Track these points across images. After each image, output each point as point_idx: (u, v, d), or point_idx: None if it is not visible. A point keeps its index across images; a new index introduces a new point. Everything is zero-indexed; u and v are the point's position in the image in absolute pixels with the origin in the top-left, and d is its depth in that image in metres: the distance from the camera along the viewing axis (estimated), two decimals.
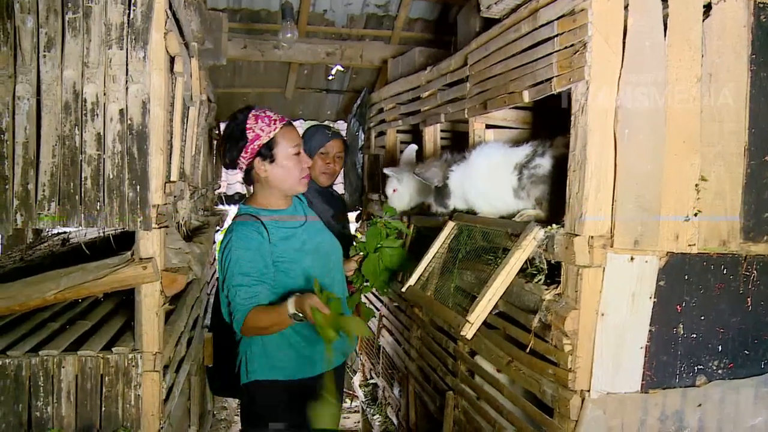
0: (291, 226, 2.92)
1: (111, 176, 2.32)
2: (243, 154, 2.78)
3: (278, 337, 2.82)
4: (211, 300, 4.72)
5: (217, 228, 5.08)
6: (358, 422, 5.73)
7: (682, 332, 2.27)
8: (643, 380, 2.25)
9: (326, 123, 5.94)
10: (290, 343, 2.86)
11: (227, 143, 2.82)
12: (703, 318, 2.29)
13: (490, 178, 2.77)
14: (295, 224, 2.95)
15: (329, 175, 3.97)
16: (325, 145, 3.89)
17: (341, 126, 6.30)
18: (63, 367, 2.37)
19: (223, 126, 3.09)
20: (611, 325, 2.19)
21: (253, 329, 2.69)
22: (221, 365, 3.10)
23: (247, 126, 2.76)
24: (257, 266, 2.73)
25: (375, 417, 4.92)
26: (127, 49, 2.30)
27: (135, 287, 2.42)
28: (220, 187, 6.29)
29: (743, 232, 2.30)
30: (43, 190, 2.26)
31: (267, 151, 2.79)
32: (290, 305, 2.59)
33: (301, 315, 2.58)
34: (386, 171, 3.69)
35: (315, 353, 2.91)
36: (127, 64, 2.30)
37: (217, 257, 2.85)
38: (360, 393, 5.46)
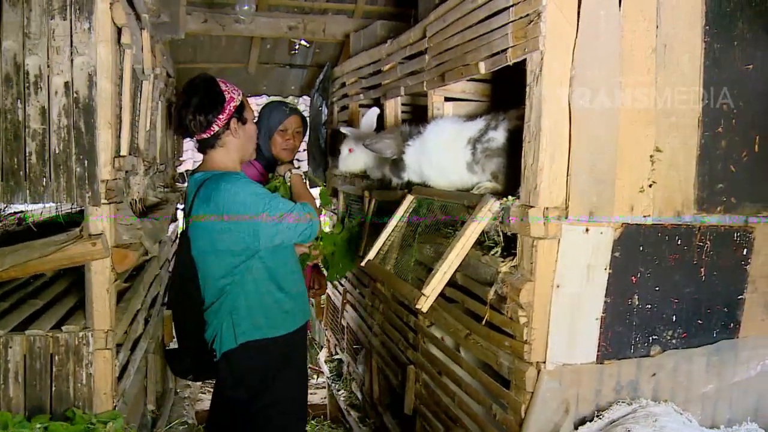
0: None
1: (57, 151, 2.25)
2: (220, 116, 2.77)
3: (263, 296, 2.85)
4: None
5: (179, 205, 4.99)
6: (325, 398, 5.73)
7: (636, 303, 2.29)
8: (598, 351, 2.27)
9: (284, 98, 5.86)
10: (275, 299, 2.89)
11: (199, 104, 2.75)
12: (657, 288, 2.30)
13: (444, 153, 2.75)
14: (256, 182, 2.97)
15: (290, 150, 3.93)
16: (284, 122, 3.84)
17: (305, 101, 6.24)
18: (10, 347, 2.32)
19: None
20: (566, 296, 2.19)
21: (313, 207, 2.98)
22: (187, 345, 3.05)
23: (223, 89, 2.79)
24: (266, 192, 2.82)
25: (340, 392, 4.93)
26: (71, 20, 2.23)
27: (85, 264, 2.36)
28: (182, 164, 6.17)
29: (697, 203, 2.32)
30: None
31: (240, 114, 2.85)
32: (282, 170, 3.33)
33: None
34: (342, 129, 3.66)
35: (295, 307, 2.99)
36: (71, 35, 2.24)
37: (197, 213, 2.76)
38: (326, 369, 5.47)
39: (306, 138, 4.79)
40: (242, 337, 2.83)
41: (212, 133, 2.80)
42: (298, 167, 3.23)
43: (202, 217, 2.73)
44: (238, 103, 2.83)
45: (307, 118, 4.54)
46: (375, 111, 3.67)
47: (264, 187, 3.00)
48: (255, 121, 3.03)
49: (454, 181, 2.77)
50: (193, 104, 2.76)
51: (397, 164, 2.99)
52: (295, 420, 3.11)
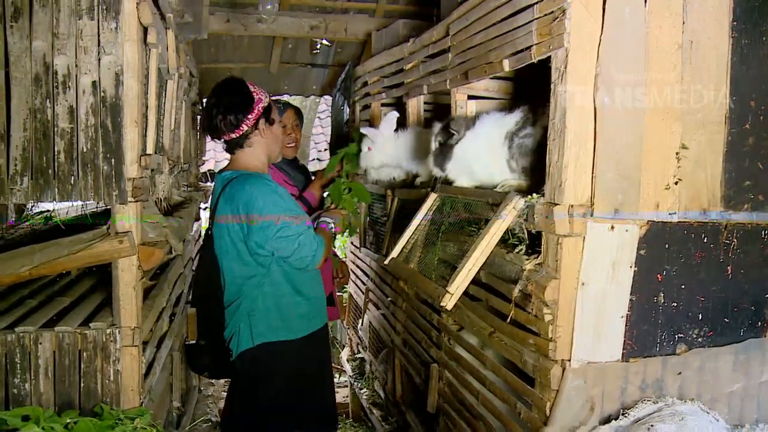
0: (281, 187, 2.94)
1: (85, 150, 2.28)
2: (249, 115, 2.81)
3: (280, 298, 2.86)
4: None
5: (202, 204, 5.03)
6: (347, 396, 5.74)
7: (662, 301, 2.27)
8: (623, 349, 2.25)
9: (277, 96, 5.86)
10: (292, 302, 2.89)
11: (230, 104, 2.79)
12: (683, 286, 2.28)
13: (490, 149, 2.73)
14: (282, 187, 2.96)
15: (294, 147, 3.97)
16: (282, 118, 3.87)
17: (326, 101, 6.25)
18: (40, 344, 2.35)
19: (206, 98, 3.06)
20: (592, 294, 2.18)
21: (326, 253, 2.91)
22: (206, 342, 3.08)
23: (252, 90, 2.84)
24: (291, 202, 2.84)
25: (363, 391, 4.94)
26: (98, 20, 2.25)
27: (111, 262, 2.39)
28: (204, 164, 6.22)
29: (724, 200, 2.29)
30: (15, 165, 2.23)
31: (268, 115, 2.89)
32: (328, 219, 3.19)
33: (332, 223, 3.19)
34: (363, 130, 3.67)
35: (311, 310, 2.98)
36: (98, 35, 2.26)
37: (222, 213, 2.80)
38: (348, 367, 5.48)
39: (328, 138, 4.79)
40: (259, 338, 2.85)
41: (241, 133, 2.82)
42: (333, 222, 3.24)
43: (224, 217, 2.78)
44: (266, 105, 2.86)
45: (302, 112, 4.52)
46: (395, 114, 3.68)
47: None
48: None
49: (495, 179, 2.75)
50: (224, 104, 2.80)
51: (444, 152, 2.91)
52: (319, 421, 3.11)
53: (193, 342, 3.01)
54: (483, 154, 2.77)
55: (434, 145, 2.99)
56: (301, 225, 2.76)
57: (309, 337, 2.97)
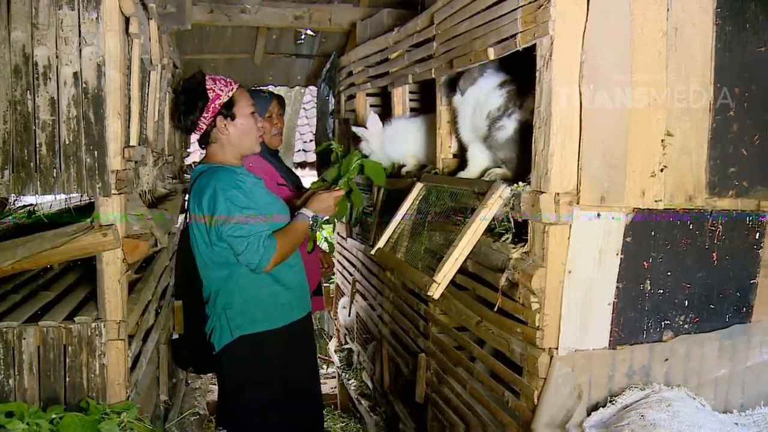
0: (252, 178, 2.95)
1: (67, 142, 2.26)
2: (204, 114, 2.80)
3: (259, 289, 2.86)
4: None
5: (187, 196, 5.00)
6: (335, 387, 5.75)
7: (649, 288, 2.28)
8: (610, 337, 2.26)
9: (260, 87, 5.81)
10: (271, 292, 2.89)
11: (185, 105, 2.82)
12: (669, 273, 2.29)
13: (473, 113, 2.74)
14: (253, 177, 2.97)
15: (279, 136, 3.97)
16: (268, 108, 3.85)
17: (311, 91, 6.21)
18: (24, 339, 2.32)
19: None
20: (578, 282, 2.18)
21: (280, 256, 2.76)
22: (189, 337, 3.07)
23: (207, 87, 2.79)
24: (253, 201, 2.77)
25: (351, 381, 4.94)
26: (78, 10, 2.22)
27: (96, 255, 2.37)
28: (189, 155, 6.18)
29: (709, 187, 2.30)
30: None
31: (227, 110, 2.83)
32: (307, 212, 2.97)
33: (320, 215, 3.02)
34: (355, 130, 3.65)
35: (292, 299, 2.98)
36: (79, 26, 2.23)
37: (191, 209, 2.82)
38: (336, 358, 5.48)
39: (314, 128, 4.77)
40: (237, 330, 2.85)
41: (202, 131, 2.85)
42: (314, 214, 3.03)
43: (192, 210, 2.81)
44: (224, 100, 2.81)
45: (285, 99, 4.50)
46: (375, 117, 3.66)
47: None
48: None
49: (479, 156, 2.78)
50: (181, 104, 2.83)
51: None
52: (305, 412, 3.12)
53: (177, 337, 3.00)
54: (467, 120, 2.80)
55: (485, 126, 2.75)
56: (256, 226, 2.69)
57: (291, 325, 2.97)
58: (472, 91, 2.79)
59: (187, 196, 4.97)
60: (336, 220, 4.06)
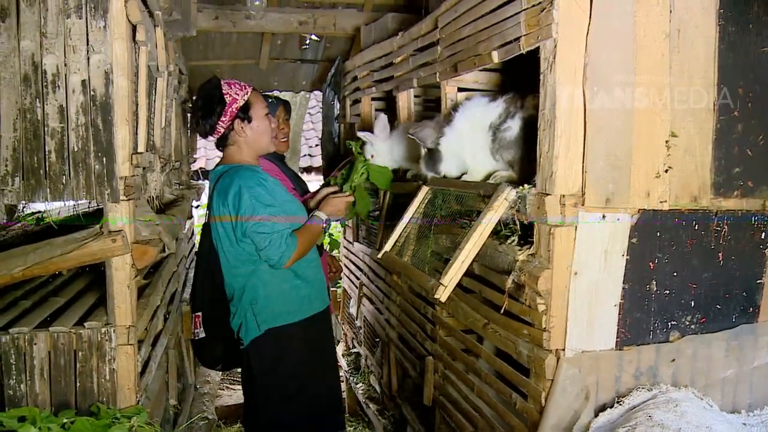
0: (271, 178, 3.02)
1: (76, 149, 2.28)
2: (222, 118, 2.88)
3: (281, 284, 2.95)
4: (190, 275, 4.69)
5: (194, 202, 5.03)
6: (343, 391, 5.75)
7: (655, 289, 2.28)
8: (617, 337, 2.27)
9: (272, 93, 5.84)
10: (292, 286, 2.99)
11: (203, 110, 2.89)
12: (675, 274, 2.30)
13: (473, 139, 2.75)
14: (273, 178, 3.05)
15: (285, 141, 3.99)
16: (275, 114, 3.87)
17: (316, 96, 6.22)
18: (35, 344, 2.34)
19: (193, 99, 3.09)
20: (584, 283, 2.19)
21: (300, 252, 2.89)
22: (215, 334, 3.11)
23: (223, 92, 2.87)
24: (275, 199, 2.86)
25: (358, 385, 4.95)
26: (86, 18, 2.24)
27: (105, 261, 2.39)
28: (195, 161, 6.20)
29: (714, 187, 2.31)
30: (6, 166, 2.22)
31: (244, 113, 2.92)
32: (321, 215, 3.10)
33: (333, 219, 3.15)
34: (360, 134, 3.67)
35: (312, 292, 3.08)
36: (87, 34, 2.25)
37: (215, 208, 2.89)
38: (343, 362, 5.48)
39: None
40: (264, 324, 2.94)
41: (220, 134, 2.94)
42: (328, 217, 3.16)
43: (217, 209, 2.88)
44: (241, 104, 2.89)
45: (291, 105, 4.52)
46: (384, 117, 3.68)
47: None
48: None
49: (484, 167, 2.77)
50: (199, 109, 2.92)
51: (433, 156, 2.95)
52: (327, 399, 3.20)
53: (202, 336, 3.03)
54: (468, 147, 2.80)
55: (423, 152, 3.04)
56: (278, 225, 2.80)
57: (311, 318, 3.07)
58: (457, 122, 2.83)
59: (198, 201, 5.02)
60: (344, 223, 4.16)
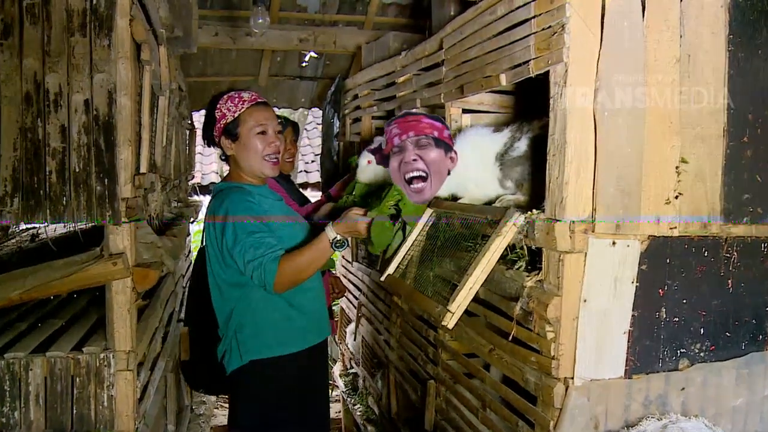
0: (272, 198, 2.89)
1: (77, 169, 2.24)
2: (214, 134, 2.80)
3: (272, 313, 2.77)
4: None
5: (192, 220, 4.99)
6: (339, 412, 5.69)
7: (664, 316, 2.25)
8: (626, 365, 2.23)
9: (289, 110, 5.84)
10: (285, 316, 2.80)
11: (204, 123, 2.84)
12: (685, 301, 2.27)
13: (477, 168, 2.72)
14: (274, 197, 2.92)
15: (291, 162, 3.97)
16: (282, 135, 3.85)
17: (314, 113, 6.21)
18: (31, 370, 2.29)
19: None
20: (594, 311, 2.15)
21: (291, 275, 2.61)
22: (201, 357, 3.03)
23: (217, 106, 2.77)
24: (262, 224, 2.67)
25: (356, 407, 4.89)
26: (90, 37, 2.22)
27: (105, 284, 2.34)
28: (193, 177, 6.17)
29: (723, 213, 2.28)
30: (5, 186, 2.18)
31: (232, 130, 2.75)
32: (330, 231, 2.68)
33: (343, 239, 2.69)
34: (365, 151, 3.63)
35: (308, 324, 2.89)
36: (91, 53, 2.23)
37: (206, 230, 2.78)
38: (340, 383, 5.43)
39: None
40: (248, 355, 2.77)
41: (219, 148, 2.86)
42: (339, 236, 2.73)
43: (207, 227, 2.76)
44: (229, 121, 2.74)
45: (300, 126, 4.51)
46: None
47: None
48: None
49: (490, 195, 2.74)
50: (204, 121, 2.85)
51: None
52: None
53: (187, 358, 2.95)
54: (472, 175, 2.77)
55: None
56: (260, 249, 2.58)
57: (305, 351, 2.89)
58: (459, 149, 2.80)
59: (195, 218, 4.98)
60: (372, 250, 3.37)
